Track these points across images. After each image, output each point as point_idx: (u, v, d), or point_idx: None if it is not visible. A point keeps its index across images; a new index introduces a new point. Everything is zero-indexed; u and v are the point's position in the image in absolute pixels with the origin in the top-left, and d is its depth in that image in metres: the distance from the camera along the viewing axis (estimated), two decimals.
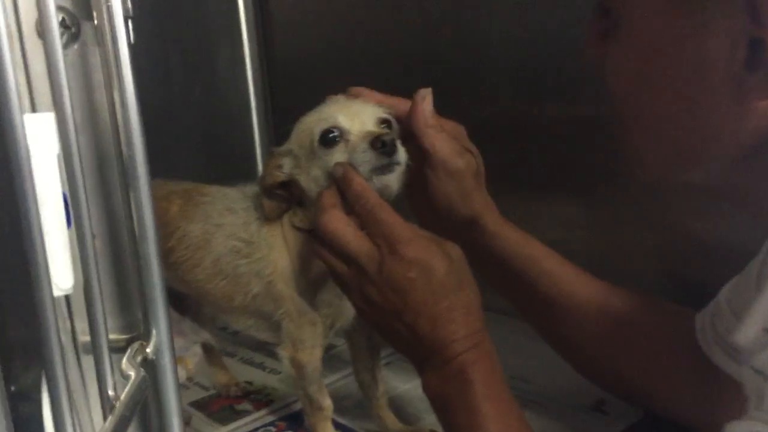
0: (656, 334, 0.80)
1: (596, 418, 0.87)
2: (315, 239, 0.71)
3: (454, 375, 0.64)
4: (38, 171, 0.32)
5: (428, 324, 0.65)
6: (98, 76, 0.37)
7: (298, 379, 0.81)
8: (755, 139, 0.51)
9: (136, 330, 0.39)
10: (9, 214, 0.32)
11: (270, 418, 0.94)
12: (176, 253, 0.83)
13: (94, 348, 0.35)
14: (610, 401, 0.88)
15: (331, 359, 1.02)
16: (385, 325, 0.69)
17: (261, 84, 1.43)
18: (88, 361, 0.38)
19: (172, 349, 0.38)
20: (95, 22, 0.36)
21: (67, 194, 0.33)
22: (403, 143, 0.72)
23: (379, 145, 0.69)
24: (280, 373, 1.04)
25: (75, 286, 0.35)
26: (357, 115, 0.72)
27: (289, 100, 1.39)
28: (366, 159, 0.69)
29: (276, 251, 0.79)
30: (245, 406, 0.97)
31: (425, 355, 0.67)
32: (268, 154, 0.82)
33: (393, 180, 0.71)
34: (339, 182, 0.69)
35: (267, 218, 0.79)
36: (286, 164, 0.76)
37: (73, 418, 0.34)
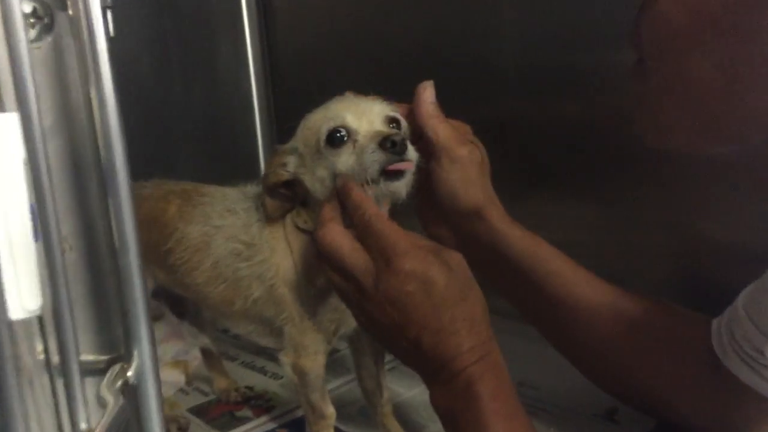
0: (670, 340, 0.77)
1: (607, 427, 0.84)
2: (318, 253, 0.68)
3: (462, 390, 0.61)
4: (1, 178, 0.28)
5: (431, 338, 0.62)
6: (74, 73, 0.33)
7: (300, 387, 0.78)
8: None
9: (117, 351, 0.35)
10: None
11: (271, 425, 0.90)
12: (174, 255, 0.80)
13: (64, 373, 0.31)
14: (621, 410, 0.84)
15: (334, 363, 0.98)
16: (389, 340, 0.66)
17: (263, 82, 1.39)
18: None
19: (156, 372, 0.34)
20: (70, 12, 0.32)
21: (35, 204, 0.30)
22: (413, 142, 0.69)
23: (389, 145, 0.65)
24: (281, 378, 1.01)
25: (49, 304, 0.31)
26: (365, 114, 0.69)
27: (292, 98, 1.35)
28: (375, 159, 0.65)
29: (278, 254, 0.75)
30: (245, 412, 0.94)
31: (431, 369, 0.63)
32: (271, 152, 0.79)
33: (402, 185, 0.67)
34: (339, 194, 0.67)
35: (269, 218, 0.75)
36: (291, 162, 0.73)
37: None
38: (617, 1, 0.87)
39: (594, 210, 1.04)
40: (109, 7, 0.32)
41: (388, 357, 0.84)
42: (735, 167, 0.81)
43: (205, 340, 0.97)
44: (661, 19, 0.54)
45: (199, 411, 0.95)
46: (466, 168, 0.75)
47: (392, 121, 0.71)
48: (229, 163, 1.37)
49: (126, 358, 0.34)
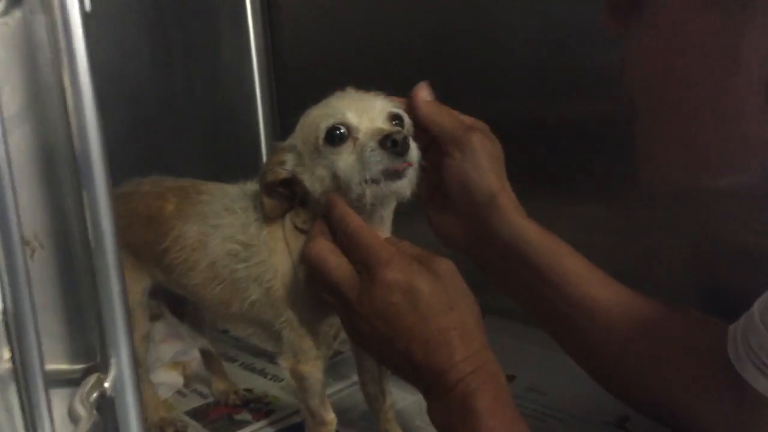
0: (686, 346, 0.73)
1: None
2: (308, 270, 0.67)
3: (457, 405, 0.58)
4: None
5: (420, 350, 0.59)
6: (45, 52, 0.29)
7: (299, 392, 0.74)
8: None
9: (92, 360, 0.31)
10: None
11: (270, 430, 0.87)
12: (171, 254, 0.77)
13: (25, 384, 0.28)
14: (633, 418, 0.81)
15: (335, 366, 0.95)
16: (381, 354, 0.64)
17: (267, 77, 1.35)
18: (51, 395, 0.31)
19: (137, 384, 0.31)
20: None
21: None
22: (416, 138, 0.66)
23: (389, 144, 0.62)
24: (282, 380, 0.98)
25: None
26: (366, 111, 0.65)
27: (296, 94, 1.32)
28: (376, 159, 0.62)
29: (277, 255, 0.72)
30: (244, 415, 0.91)
31: (426, 383, 0.61)
32: (272, 148, 0.76)
33: (404, 185, 0.64)
34: (324, 211, 0.66)
35: (267, 218, 0.72)
36: (289, 160, 0.69)
37: None
38: None
39: (605, 212, 1.00)
40: None
41: None
42: None
43: (204, 341, 0.94)
44: (643, 56, 0.52)
45: (196, 414, 0.92)
46: (477, 155, 0.72)
47: (395, 117, 0.67)
48: (231, 160, 1.33)
49: (102, 368, 0.30)
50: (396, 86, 0.73)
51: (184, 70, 1.27)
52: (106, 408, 0.30)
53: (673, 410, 0.74)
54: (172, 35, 1.24)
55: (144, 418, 0.31)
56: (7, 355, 0.28)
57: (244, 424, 0.89)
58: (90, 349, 0.31)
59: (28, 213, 0.29)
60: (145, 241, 0.80)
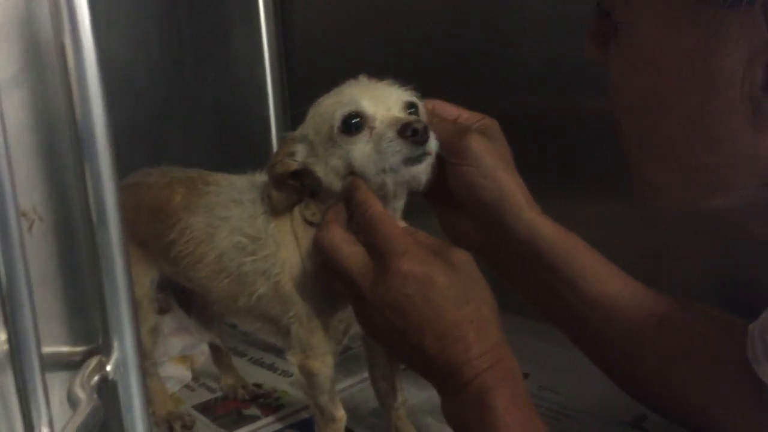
0: (707, 347, 0.71)
1: None
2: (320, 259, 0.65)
3: (473, 402, 0.56)
4: None
5: (435, 344, 0.57)
6: (43, 7, 0.27)
7: (308, 388, 0.72)
8: None
9: (94, 342, 0.29)
10: None
11: (279, 425, 0.85)
12: (177, 247, 0.75)
13: (20, 366, 0.25)
14: (650, 418, 0.78)
15: (345, 362, 0.93)
16: (394, 347, 0.62)
17: (278, 69, 1.32)
18: (49, 379, 0.29)
19: (141, 367, 0.29)
20: None
21: None
22: None
23: (409, 133, 0.59)
24: (291, 375, 0.96)
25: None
26: (381, 99, 0.63)
27: (307, 85, 1.30)
28: (395, 149, 0.60)
29: (285, 249, 0.70)
30: (253, 410, 0.89)
31: (440, 378, 0.59)
32: (282, 139, 0.74)
33: (422, 170, 0.62)
34: (345, 193, 0.63)
35: (274, 211, 0.70)
36: (300, 151, 0.67)
37: None
38: None
39: (621, 210, 0.97)
40: None
41: None
42: None
43: (213, 335, 0.92)
44: (624, 81, 0.51)
45: (204, 408, 0.90)
46: (478, 158, 0.69)
47: (410, 106, 0.65)
48: (241, 151, 1.31)
49: (104, 351, 0.28)
50: (407, 77, 0.71)
51: (195, 61, 1.25)
52: (108, 392, 0.28)
53: (691, 411, 0.72)
54: (183, 26, 1.22)
55: (148, 402, 0.29)
56: (2, 336, 0.26)
57: (253, 419, 0.87)
58: (91, 330, 0.29)
59: (27, 183, 0.27)
60: (152, 232, 0.78)
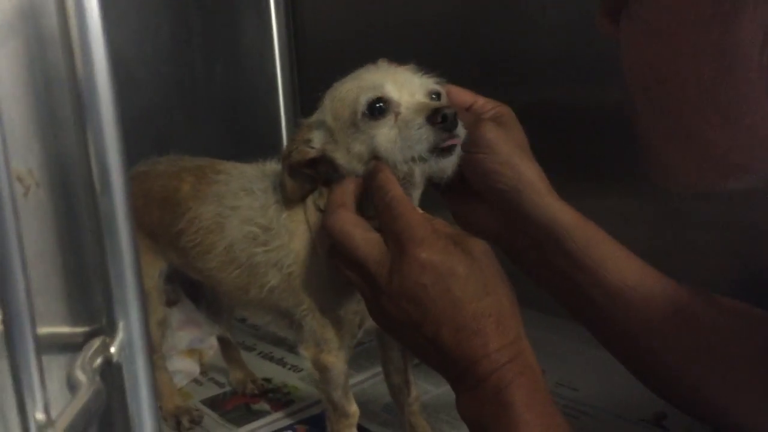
0: (731, 339, 0.68)
1: None
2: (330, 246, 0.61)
3: (490, 397, 0.53)
4: None
5: (452, 337, 0.54)
6: None
7: (321, 383, 0.69)
8: None
9: (97, 322, 0.26)
10: None
11: (289, 421, 0.83)
12: (186, 236, 0.72)
13: (12, 348, 0.23)
14: (672, 415, 0.76)
15: (358, 356, 0.91)
16: (408, 340, 0.58)
17: (288, 57, 1.29)
18: (47, 362, 0.26)
19: (148, 349, 0.26)
20: None
21: None
22: None
23: (440, 119, 0.56)
24: (301, 370, 0.93)
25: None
26: (405, 85, 0.60)
27: (317, 73, 1.27)
28: (423, 136, 0.57)
29: (297, 239, 0.67)
30: (262, 405, 0.87)
31: (456, 373, 0.56)
32: (294, 127, 0.70)
33: (452, 162, 0.59)
34: (366, 175, 0.60)
35: (288, 200, 0.67)
36: (317, 138, 0.63)
37: None
38: None
39: (639, 203, 0.95)
40: None
41: None
42: None
43: (222, 329, 0.89)
44: (638, 55, 0.49)
45: (213, 403, 0.88)
46: (493, 145, 0.66)
47: (434, 94, 0.62)
48: (251, 140, 1.28)
49: (108, 331, 0.25)
50: (419, 65, 0.68)
51: (204, 50, 1.22)
52: (112, 376, 0.25)
53: (714, 406, 0.69)
54: (192, 15, 1.20)
55: (156, 387, 0.26)
56: None
57: (262, 414, 0.84)
58: (94, 309, 0.26)
59: (22, 143, 0.24)
60: (160, 222, 0.75)
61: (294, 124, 1.27)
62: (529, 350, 0.56)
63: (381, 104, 0.59)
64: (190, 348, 0.95)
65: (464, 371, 0.55)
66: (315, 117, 0.65)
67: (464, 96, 0.71)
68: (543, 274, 0.72)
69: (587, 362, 0.80)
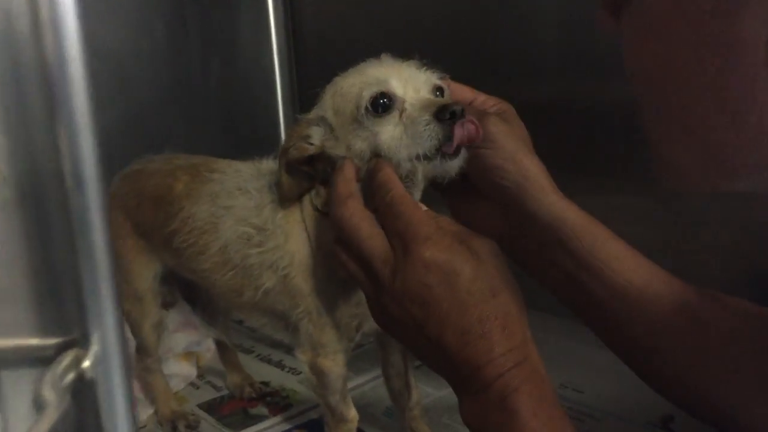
0: (739, 340, 0.66)
1: None
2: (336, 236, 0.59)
3: (495, 404, 0.51)
4: None
5: (456, 340, 0.52)
6: None
7: (319, 388, 0.67)
8: None
9: (69, 333, 0.24)
10: None
11: (287, 425, 0.81)
12: (180, 236, 0.70)
13: None
14: (679, 418, 0.74)
15: (357, 359, 0.88)
16: (410, 341, 0.56)
17: (286, 53, 1.27)
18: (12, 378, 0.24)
19: (125, 363, 0.23)
20: None
21: None
22: None
23: (448, 116, 0.54)
24: (300, 373, 0.91)
25: None
26: (410, 80, 0.58)
27: (316, 71, 1.25)
28: (432, 134, 0.54)
29: (293, 240, 0.64)
30: (260, 409, 0.85)
31: (460, 377, 0.54)
32: (292, 123, 0.68)
33: (459, 163, 0.57)
34: (368, 172, 0.58)
35: (284, 199, 0.64)
36: (316, 134, 0.61)
37: None
38: None
39: (646, 202, 0.93)
40: None
41: None
42: None
43: (219, 331, 0.87)
44: (639, 50, 0.47)
45: (210, 407, 0.86)
46: (496, 141, 0.65)
47: (438, 89, 0.60)
48: (249, 137, 1.26)
49: (81, 343, 0.23)
50: (426, 65, 0.66)
51: (200, 46, 1.20)
52: (85, 393, 0.23)
53: (722, 408, 0.67)
54: (189, 10, 1.17)
55: (133, 405, 0.24)
56: None
57: (260, 418, 0.83)
58: (66, 319, 0.24)
59: None
60: (154, 222, 0.73)
61: (292, 119, 1.25)
62: (536, 354, 0.54)
63: (385, 100, 0.56)
64: (187, 351, 0.93)
65: (468, 375, 0.53)
66: (314, 112, 0.62)
67: (465, 92, 0.69)
68: (547, 274, 0.70)
69: (592, 364, 0.78)
